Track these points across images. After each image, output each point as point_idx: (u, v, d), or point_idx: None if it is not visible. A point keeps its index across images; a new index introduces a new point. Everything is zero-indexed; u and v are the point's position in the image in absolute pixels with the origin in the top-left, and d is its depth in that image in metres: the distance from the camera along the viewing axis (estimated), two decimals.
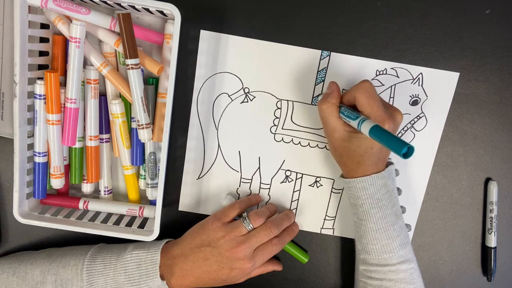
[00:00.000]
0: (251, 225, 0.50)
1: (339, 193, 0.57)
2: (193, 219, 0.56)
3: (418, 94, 0.53)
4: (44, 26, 0.50)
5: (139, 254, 0.49)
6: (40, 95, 0.48)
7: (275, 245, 0.51)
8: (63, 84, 0.50)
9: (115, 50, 0.50)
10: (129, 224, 0.53)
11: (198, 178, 0.56)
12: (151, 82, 0.52)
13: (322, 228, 0.58)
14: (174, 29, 0.46)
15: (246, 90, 0.54)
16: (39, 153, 0.50)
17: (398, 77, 0.53)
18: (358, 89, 0.46)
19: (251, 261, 0.49)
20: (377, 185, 0.47)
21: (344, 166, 0.49)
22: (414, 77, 0.53)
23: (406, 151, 0.38)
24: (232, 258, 0.48)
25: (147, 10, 0.46)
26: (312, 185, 0.57)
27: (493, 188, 0.56)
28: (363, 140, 0.45)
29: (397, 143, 0.39)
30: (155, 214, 0.51)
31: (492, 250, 0.57)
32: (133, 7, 0.46)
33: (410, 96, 0.53)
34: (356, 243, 0.51)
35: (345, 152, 0.47)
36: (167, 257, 0.50)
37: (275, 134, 0.55)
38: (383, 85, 0.53)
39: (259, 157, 0.56)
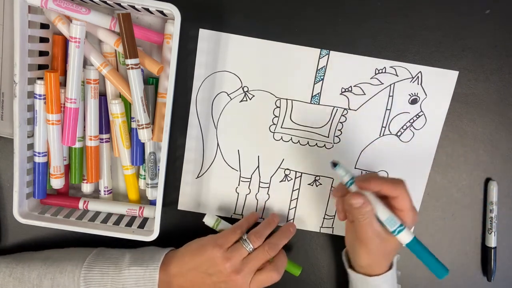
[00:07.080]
0: (251, 246, 0.50)
1: None
2: (192, 218, 0.56)
3: (417, 93, 0.53)
4: (44, 26, 0.50)
5: (137, 271, 0.49)
6: (40, 95, 0.48)
7: (271, 271, 0.50)
8: (63, 84, 0.50)
9: (115, 50, 0.50)
10: (129, 224, 0.53)
11: (197, 177, 0.56)
12: (151, 82, 0.52)
13: (322, 227, 0.58)
14: (174, 29, 0.46)
15: (245, 89, 0.54)
16: (39, 153, 0.50)
17: (397, 76, 0.53)
18: (402, 190, 0.45)
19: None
20: (390, 282, 0.50)
21: (369, 263, 0.49)
22: (413, 76, 0.53)
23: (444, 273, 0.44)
24: (231, 284, 0.49)
25: (147, 10, 0.46)
26: (311, 184, 0.57)
27: (493, 188, 0.56)
28: (396, 240, 0.46)
29: (439, 266, 0.45)
30: (155, 214, 0.51)
31: (492, 250, 0.57)
32: (133, 7, 0.46)
33: (409, 94, 0.53)
34: None
35: (377, 251, 0.47)
36: (165, 274, 0.49)
37: (274, 133, 0.55)
38: (382, 83, 0.53)
39: (258, 156, 0.56)
